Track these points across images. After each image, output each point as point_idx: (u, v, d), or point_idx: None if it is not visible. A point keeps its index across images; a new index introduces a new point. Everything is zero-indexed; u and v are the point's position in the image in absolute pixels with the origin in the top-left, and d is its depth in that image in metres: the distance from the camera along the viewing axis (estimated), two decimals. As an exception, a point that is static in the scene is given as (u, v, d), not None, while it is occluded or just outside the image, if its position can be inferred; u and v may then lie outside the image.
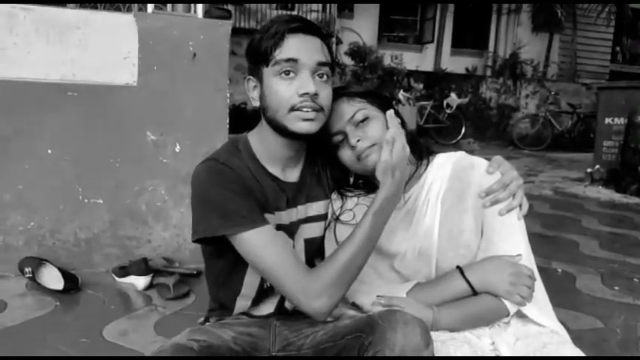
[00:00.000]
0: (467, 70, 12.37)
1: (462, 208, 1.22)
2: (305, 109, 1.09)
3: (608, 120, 5.91)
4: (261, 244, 1.06)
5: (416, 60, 11.97)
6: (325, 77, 1.13)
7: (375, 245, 1.11)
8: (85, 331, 1.90)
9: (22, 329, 1.91)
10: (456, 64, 12.20)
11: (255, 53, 1.13)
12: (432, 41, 12.47)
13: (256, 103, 1.18)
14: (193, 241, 1.15)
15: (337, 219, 1.26)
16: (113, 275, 2.43)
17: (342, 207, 1.27)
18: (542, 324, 1.20)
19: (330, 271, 1.05)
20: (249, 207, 1.09)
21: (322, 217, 1.28)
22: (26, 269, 2.32)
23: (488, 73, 12.57)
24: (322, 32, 1.16)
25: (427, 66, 12.19)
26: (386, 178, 1.08)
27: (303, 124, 1.10)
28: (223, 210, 1.08)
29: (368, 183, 1.29)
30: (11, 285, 2.31)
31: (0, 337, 1.84)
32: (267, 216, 1.14)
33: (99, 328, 1.92)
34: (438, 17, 12.41)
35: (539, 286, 1.20)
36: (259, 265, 1.08)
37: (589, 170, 5.91)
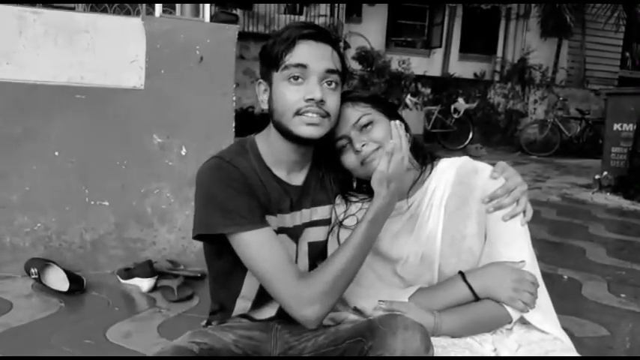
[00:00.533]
0: (475, 75, 12.35)
1: (465, 213, 1.21)
2: (310, 114, 1.10)
3: (616, 126, 5.88)
4: (258, 247, 1.07)
5: (424, 65, 11.97)
6: (334, 85, 1.14)
7: (367, 253, 1.12)
8: (89, 332, 1.91)
9: (27, 329, 1.92)
10: (463, 69, 12.19)
11: (267, 57, 1.15)
12: (440, 46, 12.47)
13: (265, 106, 1.19)
14: (193, 238, 1.16)
15: (340, 224, 1.26)
16: (118, 277, 2.44)
17: (345, 212, 1.27)
18: (545, 331, 1.19)
19: (323, 279, 1.05)
20: (250, 207, 1.10)
21: (327, 222, 1.28)
22: (32, 270, 2.34)
23: (497, 78, 12.54)
24: (334, 40, 1.17)
25: (435, 71, 12.18)
26: (381, 188, 1.09)
27: (307, 128, 1.11)
28: (224, 208, 1.08)
29: (371, 188, 1.29)
30: (17, 286, 2.32)
31: (5, 337, 1.85)
32: (270, 218, 1.15)
33: (103, 329, 1.94)
34: (446, 22, 12.41)
35: (543, 292, 1.20)
36: (254, 267, 1.08)
37: (597, 177, 5.88)
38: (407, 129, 1.22)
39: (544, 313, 1.21)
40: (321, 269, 1.07)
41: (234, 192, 1.09)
